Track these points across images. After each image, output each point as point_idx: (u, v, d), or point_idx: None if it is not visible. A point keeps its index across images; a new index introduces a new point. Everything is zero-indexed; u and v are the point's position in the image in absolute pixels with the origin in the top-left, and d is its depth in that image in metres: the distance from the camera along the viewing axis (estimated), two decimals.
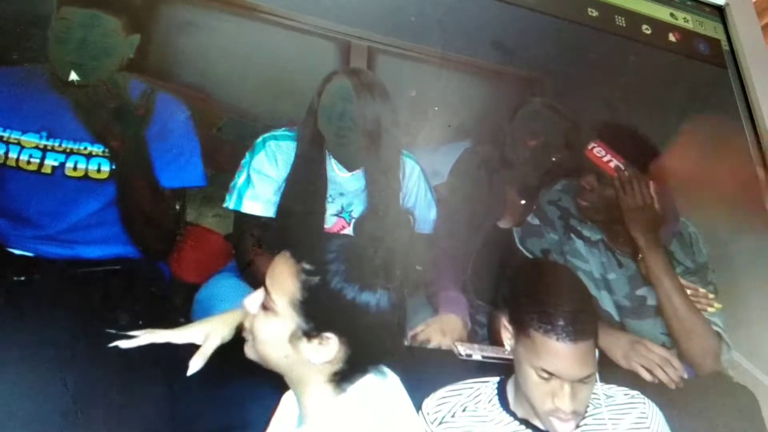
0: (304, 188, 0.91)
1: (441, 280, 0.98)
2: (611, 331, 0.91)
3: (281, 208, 0.89)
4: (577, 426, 0.75)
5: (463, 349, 0.86)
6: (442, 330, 0.89)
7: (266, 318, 0.65)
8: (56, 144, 0.80)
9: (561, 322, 0.73)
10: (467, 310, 0.94)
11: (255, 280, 0.78)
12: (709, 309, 0.95)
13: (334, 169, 0.93)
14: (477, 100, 1.07)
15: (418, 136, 1.00)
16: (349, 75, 0.92)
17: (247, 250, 0.88)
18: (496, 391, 0.80)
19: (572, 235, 1.00)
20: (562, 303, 0.75)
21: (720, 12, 1.21)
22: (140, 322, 0.71)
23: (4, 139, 0.78)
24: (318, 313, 0.64)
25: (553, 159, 1.06)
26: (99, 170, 0.81)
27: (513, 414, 0.78)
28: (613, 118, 1.08)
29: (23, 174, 0.78)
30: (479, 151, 1.08)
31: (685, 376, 0.88)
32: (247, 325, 0.68)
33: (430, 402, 0.78)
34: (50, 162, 0.79)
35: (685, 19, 1.18)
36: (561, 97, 1.09)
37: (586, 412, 0.77)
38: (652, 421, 0.79)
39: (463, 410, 0.78)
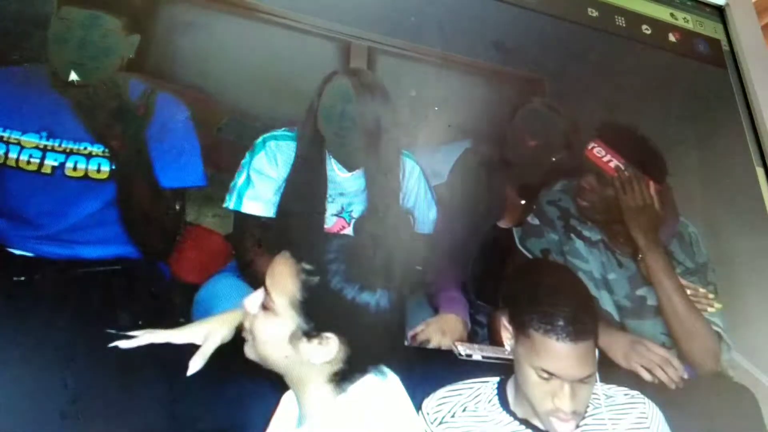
0: (304, 188, 0.91)
1: (441, 280, 0.98)
2: (611, 331, 0.91)
3: (281, 208, 0.89)
4: (577, 426, 0.75)
5: (463, 349, 0.86)
6: (442, 330, 0.89)
7: (266, 318, 0.65)
8: (56, 144, 0.80)
9: (561, 322, 0.73)
10: (467, 310, 0.94)
11: (255, 280, 0.78)
12: (709, 309, 0.95)
13: (334, 169, 0.93)
14: (477, 100, 1.07)
15: (418, 136, 1.00)
16: (349, 75, 0.92)
17: (247, 250, 0.88)
18: (496, 391, 0.80)
19: (572, 235, 1.00)
20: (562, 303, 0.75)
21: (720, 12, 1.21)
22: (140, 322, 0.71)
23: (4, 139, 0.78)
24: (318, 313, 0.64)
25: (553, 159, 1.06)
26: (99, 170, 0.81)
27: (513, 414, 0.78)
28: (613, 118, 1.08)
29: (23, 174, 0.78)
30: (479, 151, 1.07)
31: (685, 376, 0.88)
32: (246, 325, 0.68)
33: (430, 402, 0.78)
34: (50, 162, 0.79)
35: (685, 19, 1.18)
36: (561, 97, 1.09)
37: (586, 412, 0.77)
38: (652, 421, 0.79)
39: (463, 410, 0.78)
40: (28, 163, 0.78)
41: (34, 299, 0.72)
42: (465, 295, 0.97)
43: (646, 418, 0.79)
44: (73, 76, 0.79)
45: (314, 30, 0.97)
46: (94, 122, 0.80)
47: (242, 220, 0.89)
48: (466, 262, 1.01)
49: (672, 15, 1.18)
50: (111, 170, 0.81)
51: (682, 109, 1.12)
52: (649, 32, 1.14)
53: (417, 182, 0.98)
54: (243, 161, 0.90)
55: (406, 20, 0.99)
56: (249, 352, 0.67)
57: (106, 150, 0.81)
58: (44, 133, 0.79)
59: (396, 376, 0.69)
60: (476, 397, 0.79)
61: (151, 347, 0.69)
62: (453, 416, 0.77)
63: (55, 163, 0.79)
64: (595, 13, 1.11)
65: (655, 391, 0.84)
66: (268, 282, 0.66)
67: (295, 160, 0.91)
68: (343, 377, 0.65)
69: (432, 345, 0.87)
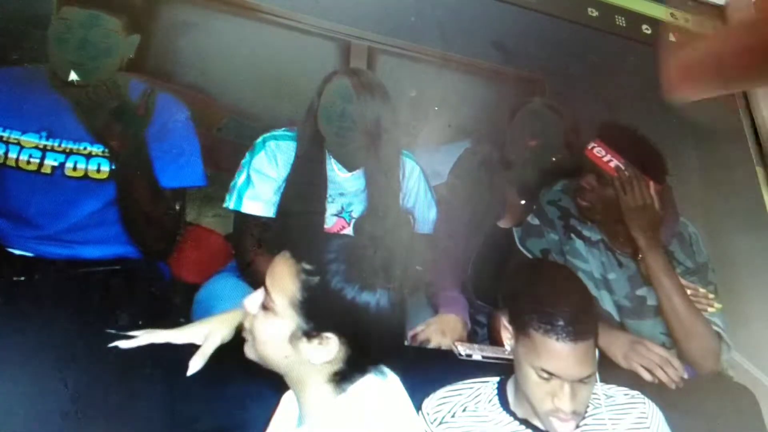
0: (304, 188, 0.91)
1: (441, 280, 0.98)
2: (611, 331, 0.91)
3: (281, 208, 0.89)
4: (577, 426, 0.75)
5: (463, 349, 0.86)
6: (442, 330, 0.89)
7: (266, 318, 0.65)
8: (56, 144, 0.80)
9: (561, 322, 0.73)
10: (467, 310, 0.94)
11: (255, 280, 0.78)
12: (709, 309, 0.95)
13: (334, 169, 0.93)
14: (477, 100, 1.07)
15: (418, 136, 1.00)
16: (350, 75, 0.92)
17: (247, 250, 0.88)
18: (496, 391, 0.80)
19: (572, 235, 1.00)
20: (562, 303, 0.75)
21: (720, 12, 1.21)
22: (140, 322, 0.71)
23: (4, 139, 0.78)
24: (318, 313, 0.64)
25: (553, 159, 1.06)
26: (99, 170, 0.81)
27: (513, 414, 0.78)
28: (613, 118, 1.08)
29: (23, 174, 0.78)
30: (479, 151, 1.08)
31: (685, 376, 0.88)
32: (247, 325, 0.68)
33: (430, 402, 0.78)
34: (50, 162, 0.79)
35: (685, 19, 1.18)
36: (561, 97, 1.09)
37: (586, 412, 0.77)
38: (652, 420, 0.79)
39: (463, 410, 0.78)
40: (28, 163, 0.78)
41: (34, 299, 0.72)
42: (465, 295, 0.97)
43: (646, 417, 0.79)
44: (73, 76, 0.79)
45: (314, 30, 0.97)
46: (94, 122, 0.80)
47: (242, 220, 0.89)
48: (466, 262, 1.01)
49: (672, 15, 1.18)
50: (111, 170, 0.81)
51: (682, 110, 1.12)
52: (649, 32, 1.14)
53: (417, 182, 0.98)
54: (243, 161, 0.90)
55: (406, 20, 0.99)
56: (249, 352, 0.67)
57: (106, 150, 0.81)
58: (44, 133, 0.80)
59: (396, 376, 0.69)
60: (476, 397, 0.79)
61: (151, 347, 0.69)
62: (453, 416, 0.77)
63: (55, 163, 0.79)
64: (595, 13, 1.11)
65: (655, 391, 0.84)
66: (268, 282, 0.66)
67: (295, 160, 0.91)
68: (343, 377, 0.65)
69: (432, 345, 0.87)
